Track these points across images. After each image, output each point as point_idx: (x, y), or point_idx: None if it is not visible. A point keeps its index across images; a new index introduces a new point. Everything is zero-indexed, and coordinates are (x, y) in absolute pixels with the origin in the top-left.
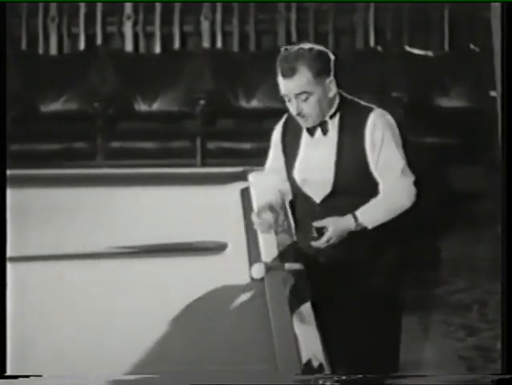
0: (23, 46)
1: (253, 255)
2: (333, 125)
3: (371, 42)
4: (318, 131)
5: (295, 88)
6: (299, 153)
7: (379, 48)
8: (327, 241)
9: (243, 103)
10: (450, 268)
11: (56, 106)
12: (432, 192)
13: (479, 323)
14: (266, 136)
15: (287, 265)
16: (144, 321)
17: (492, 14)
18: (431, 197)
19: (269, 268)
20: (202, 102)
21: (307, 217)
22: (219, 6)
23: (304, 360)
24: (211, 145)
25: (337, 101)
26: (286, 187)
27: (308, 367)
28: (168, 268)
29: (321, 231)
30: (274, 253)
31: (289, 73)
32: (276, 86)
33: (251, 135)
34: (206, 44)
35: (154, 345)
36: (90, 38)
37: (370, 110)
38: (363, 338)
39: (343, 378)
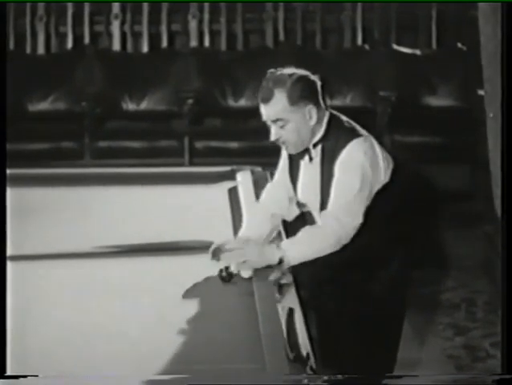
0: (11, 45)
1: None
2: (316, 153)
3: (359, 41)
4: (306, 158)
5: (271, 115)
6: (299, 178)
7: (366, 47)
8: (241, 264)
9: (231, 103)
10: (438, 267)
11: (44, 105)
12: (418, 191)
13: (467, 322)
14: (254, 135)
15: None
16: (133, 320)
17: (479, 13)
18: (418, 196)
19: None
20: (190, 101)
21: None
22: (207, 5)
23: (291, 348)
24: (199, 144)
25: (323, 128)
26: (285, 205)
27: (296, 356)
28: (154, 267)
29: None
30: None
31: (266, 98)
32: None
33: (239, 135)
34: (194, 43)
35: (142, 345)
36: (77, 38)
37: (351, 139)
38: (354, 339)
39: (333, 378)
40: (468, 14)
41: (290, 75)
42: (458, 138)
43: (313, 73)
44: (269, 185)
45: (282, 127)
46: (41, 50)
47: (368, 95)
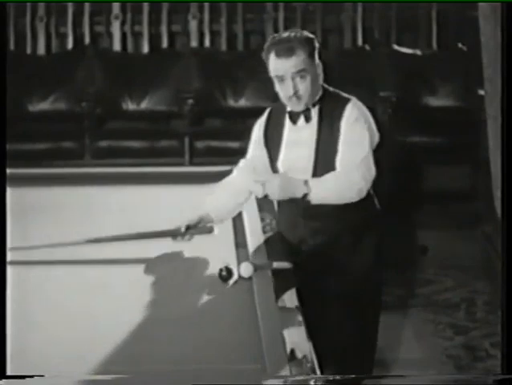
0: (11, 45)
1: (241, 254)
2: (314, 113)
3: (359, 42)
4: (302, 119)
5: (293, 66)
6: (282, 144)
7: (367, 47)
8: (273, 190)
9: (231, 103)
10: (438, 267)
11: (44, 105)
12: (418, 191)
13: (467, 322)
14: None
15: (275, 264)
16: (132, 320)
17: (479, 13)
18: (418, 195)
19: (257, 267)
20: (190, 101)
21: (291, 207)
22: (207, 5)
23: (288, 350)
24: (199, 144)
25: (320, 91)
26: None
27: (293, 358)
28: (155, 267)
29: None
30: (262, 251)
31: (286, 53)
32: (264, 85)
33: (239, 135)
34: (194, 43)
35: (142, 345)
36: (78, 38)
37: (347, 101)
38: (347, 330)
39: (331, 378)
40: (468, 14)
41: (302, 34)
42: (458, 138)
43: None
44: (241, 162)
45: (302, 78)
46: (41, 50)
47: (368, 96)
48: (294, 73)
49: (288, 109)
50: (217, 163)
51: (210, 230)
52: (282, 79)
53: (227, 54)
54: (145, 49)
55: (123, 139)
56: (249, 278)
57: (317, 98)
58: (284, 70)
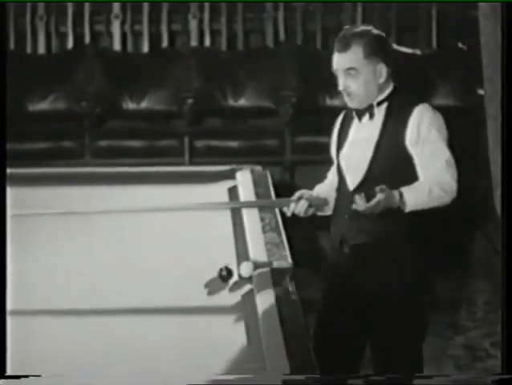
0: (11, 45)
1: (241, 252)
2: (379, 111)
3: None
4: (366, 116)
5: (345, 63)
6: (347, 141)
7: None
8: (374, 206)
9: (231, 102)
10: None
11: (44, 105)
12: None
13: (467, 322)
14: (254, 135)
15: (276, 264)
16: (132, 320)
17: (479, 12)
18: None
19: (257, 266)
20: (190, 100)
21: (342, 204)
22: (207, 4)
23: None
24: (199, 144)
25: (389, 90)
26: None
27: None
28: (154, 267)
29: (368, 197)
30: (262, 250)
31: (342, 48)
32: (263, 84)
33: (239, 134)
34: (194, 43)
35: (141, 345)
36: (78, 38)
37: (418, 103)
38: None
39: (332, 378)
40: (468, 13)
41: (368, 31)
42: (458, 138)
43: (313, 73)
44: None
45: (352, 76)
46: (41, 49)
47: None
48: (344, 69)
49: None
50: (216, 162)
51: (326, 202)
52: (337, 74)
53: (227, 54)
54: (145, 48)
55: (123, 138)
56: (249, 278)
57: (382, 97)
58: (337, 65)
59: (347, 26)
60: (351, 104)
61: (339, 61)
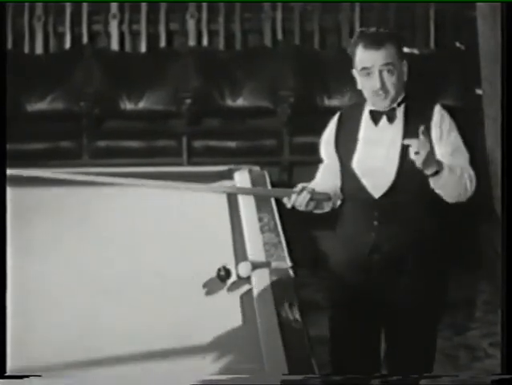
0: (9, 45)
1: (239, 252)
2: (399, 113)
3: None
4: (384, 120)
5: (382, 58)
6: (358, 145)
7: None
8: (420, 160)
9: (229, 102)
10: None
11: (42, 105)
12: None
13: (467, 322)
14: (252, 135)
15: (274, 264)
16: (132, 320)
17: (477, 12)
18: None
19: (255, 266)
20: (188, 101)
21: (364, 211)
22: (205, 4)
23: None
24: (197, 144)
25: (403, 91)
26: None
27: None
28: (154, 267)
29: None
30: (261, 251)
31: (376, 44)
32: (261, 84)
33: (237, 134)
34: (192, 43)
35: (141, 344)
36: (76, 38)
37: (433, 103)
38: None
39: (332, 378)
40: (466, 13)
41: (388, 29)
42: None
43: (311, 73)
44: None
45: (389, 72)
46: (39, 49)
47: None
48: (381, 65)
49: (371, 108)
50: (215, 163)
51: (329, 197)
52: (369, 71)
53: (225, 54)
54: (143, 48)
55: (121, 138)
56: (248, 278)
57: (401, 97)
58: (372, 62)
59: (362, 29)
60: (381, 104)
61: (375, 57)
